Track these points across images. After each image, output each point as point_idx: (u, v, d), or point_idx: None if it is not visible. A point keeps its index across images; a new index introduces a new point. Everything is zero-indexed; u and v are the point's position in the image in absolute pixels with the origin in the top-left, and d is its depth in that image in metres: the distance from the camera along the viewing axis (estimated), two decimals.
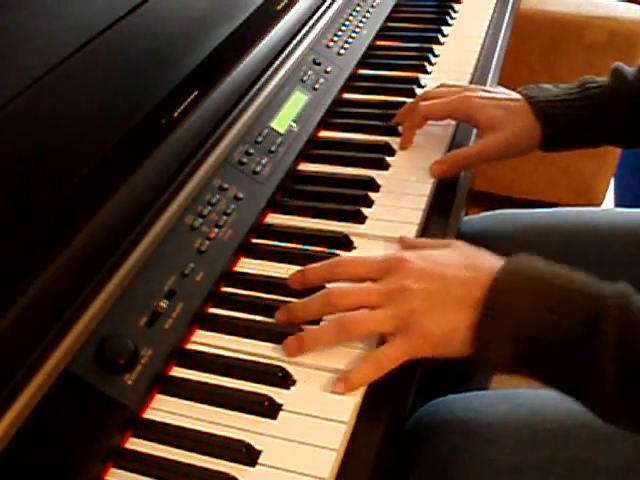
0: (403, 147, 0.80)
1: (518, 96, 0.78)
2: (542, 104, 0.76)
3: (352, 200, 0.73)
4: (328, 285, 0.59)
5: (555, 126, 0.76)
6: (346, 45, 0.94)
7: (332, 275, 0.59)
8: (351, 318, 0.56)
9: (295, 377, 0.55)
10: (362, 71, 0.96)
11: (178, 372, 0.56)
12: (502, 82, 1.01)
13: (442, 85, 0.84)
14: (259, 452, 0.50)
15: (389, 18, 1.09)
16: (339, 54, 0.92)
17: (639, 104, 0.77)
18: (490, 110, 0.77)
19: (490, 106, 0.77)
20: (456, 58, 0.99)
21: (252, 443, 0.50)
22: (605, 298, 0.51)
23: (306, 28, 0.90)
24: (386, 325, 0.55)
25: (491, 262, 0.57)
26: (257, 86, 0.78)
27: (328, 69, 0.89)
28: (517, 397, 0.68)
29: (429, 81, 0.94)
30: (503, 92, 0.80)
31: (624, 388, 0.50)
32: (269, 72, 0.80)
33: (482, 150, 0.77)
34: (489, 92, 0.80)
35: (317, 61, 0.88)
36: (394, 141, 0.82)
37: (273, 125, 0.77)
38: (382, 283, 0.57)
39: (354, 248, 0.67)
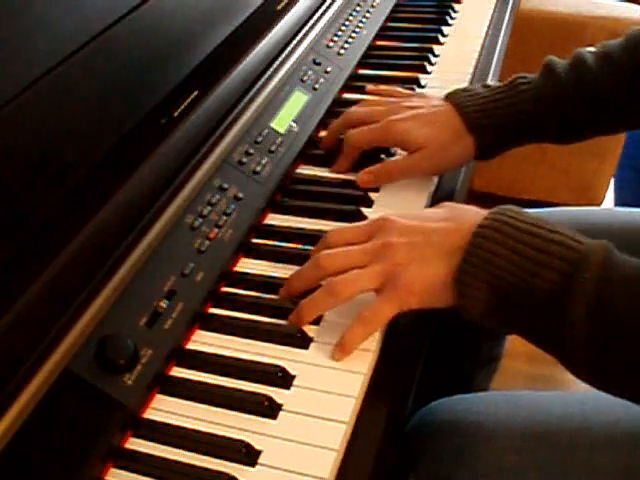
0: (337, 172, 0.78)
1: (445, 105, 0.75)
2: (472, 114, 0.74)
3: (352, 200, 0.73)
4: None
5: (488, 135, 0.74)
6: (346, 45, 0.94)
7: (327, 245, 0.61)
8: (339, 279, 0.57)
9: (296, 376, 0.55)
10: (362, 71, 0.96)
11: (178, 372, 0.56)
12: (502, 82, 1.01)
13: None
14: (259, 452, 0.50)
15: (389, 18, 1.09)
16: (339, 54, 0.92)
17: (571, 101, 0.75)
18: (416, 131, 0.74)
19: (415, 128, 0.74)
20: (456, 58, 0.99)
21: (252, 443, 0.50)
22: (585, 252, 0.52)
23: (306, 28, 0.90)
24: (373, 281, 0.57)
25: (475, 213, 0.58)
26: (257, 86, 0.78)
27: (328, 69, 0.89)
28: (518, 399, 0.68)
29: (429, 81, 0.94)
30: (429, 104, 0.77)
31: (595, 345, 0.50)
32: (269, 72, 0.80)
33: (411, 166, 0.74)
34: (414, 108, 0.76)
35: (317, 61, 0.88)
36: None
37: (273, 125, 0.77)
38: (368, 243, 0.59)
39: None
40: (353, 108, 0.80)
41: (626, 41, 0.77)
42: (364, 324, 0.56)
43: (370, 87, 0.84)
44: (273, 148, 0.75)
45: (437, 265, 0.56)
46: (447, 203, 0.63)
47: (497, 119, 0.74)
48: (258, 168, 0.71)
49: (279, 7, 0.88)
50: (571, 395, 0.58)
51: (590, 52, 0.77)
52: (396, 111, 0.77)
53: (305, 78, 0.85)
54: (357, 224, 0.63)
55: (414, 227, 0.58)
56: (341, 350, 0.56)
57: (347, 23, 0.98)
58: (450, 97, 0.76)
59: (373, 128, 0.76)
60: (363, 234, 0.60)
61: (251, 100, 0.76)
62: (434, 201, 0.75)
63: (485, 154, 0.76)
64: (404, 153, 0.78)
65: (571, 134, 0.78)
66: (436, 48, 1.01)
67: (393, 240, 0.57)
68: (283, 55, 0.83)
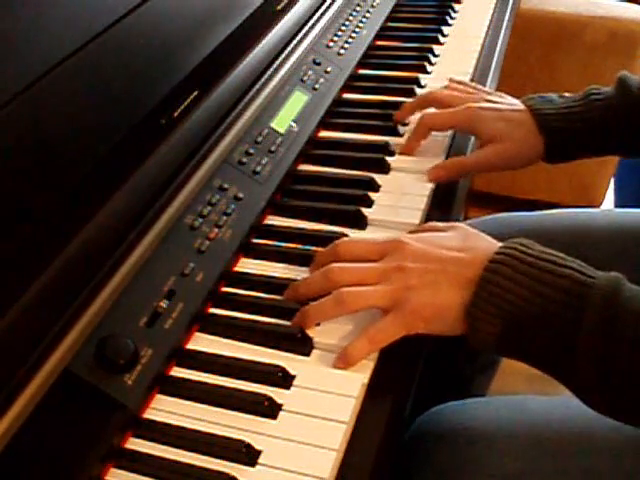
0: (405, 154, 0.80)
1: (521, 106, 0.78)
2: (545, 116, 0.76)
3: (352, 200, 0.73)
4: None
5: (558, 139, 0.76)
6: (346, 45, 0.94)
7: (336, 256, 0.61)
8: (349, 292, 0.58)
9: (296, 376, 0.55)
10: (362, 71, 0.96)
11: (178, 372, 0.56)
12: (502, 82, 1.01)
13: (450, 82, 0.85)
14: (259, 452, 0.50)
15: (389, 18, 1.09)
16: (339, 54, 0.92)
17: None
18: (492, 123, 0.76)
19: (492, 119, 0.77)
20: (456, 58, 0.99)
21: (252, 443, 0.50)
22: (593, 287, 0.52)
23: (306, 28, 0.90)
24: (382, 300, 0.57)
25: (488, 244, 0.59)
26: (257, 86, 0.78)
27: (328, 69, 0.89)
28: (519, 404, 0.68)
29: (429, 81, 0.94)
30: (507, 102, 0.80)
31: (602, 376, 0.51)
32: (269, 72, 0.80)
33: (482, 160, 0.77)
34: (492, 102, 0.79)
35: (317, 61, 0.88)
36: (394, 141, 0.82)
37: (273, 125, 0.77)
38: (381, 262, 0.59)
39: None
40: (435, 89, 0.83)
41: None
42: (369, 341, 0.56)
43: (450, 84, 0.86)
44: (273, 148, 0.75)
45: (449, 295, 0.56)
46: (457, 225, 0.63)
47: (568, 124, 0.76)
48: (258, 168, 0.71)
49: (279, 7, 0.88)
50: (572, 400, 0.58)
51: None
52: (476, 100, 0.79)
53: (305, 78, 0.85)
54: (370, 240, 0.63)
55: (428, 254, 0.58)
56: (344, 362, 0.56)
57: (347, 23, 0.98)
58: (526, 100, 0.79)
59: (452, 111, 0.79)
60: (375, 252, 0.60)
61: (251, 100, 0.76)
62: (434, 201, 0.75)
63: (553, 157, 0.79)
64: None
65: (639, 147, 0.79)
66: (436, 48, 1.01)
67: (407, 265, 0.58)
68: (283, 55, 0.83)
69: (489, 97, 0.81)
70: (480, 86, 0.86)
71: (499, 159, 0.77)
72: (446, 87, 0.84)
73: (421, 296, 0.56)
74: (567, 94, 0.80)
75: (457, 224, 0.64)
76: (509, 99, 0.81)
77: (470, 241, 0.60)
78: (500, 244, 0.58)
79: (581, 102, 0.77)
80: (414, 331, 0.56)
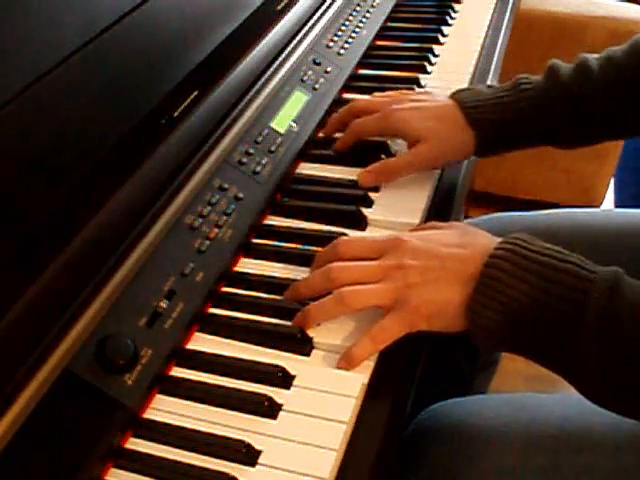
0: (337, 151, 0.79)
1: (449, 101, 0.76)
2: (473, 109, 0.74)
3: (352, 200, 0.73)
4: None
5: (488, 131, 0.74)
6: (346, 45, 0.94)
7: (336, 255, 0.61)
8: (350, 291, 0.57)
9: (296, 376, 0.55)
10: (362, 71, 0.96)
11: (178, 372, 0.56)
12: (502, 82, 1.01)
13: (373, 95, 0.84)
14: (259, 452, 0.50)
15: (389, 18, 1.09)
16: (339, 54, 0.92)
17: (573, 104, 0.75)
18: (417, 123, 0.74)
19: (417, 119, 0.75)
20: (456, 58, 0.99)
21: (252, 443, 0.50)
22: (594, 281, 0.52)
23: (306, 28, 0.90)
24: (383, 298, 0.57)
25: (487, 240, 0.59)
26: (257, 86, 0.78)
27: (328, 69, 0.89)
28: (518, 402, 0.68)
29: (429, 81, 0.94)
30: (433, 99, 0.78)
31: (604, 370, 0.51)
32: (269, 72, 0.80)
33: (412, 161, 0.74)
34: (418, 101, 0.77)
35: (317, 61, 0.88)
36: (393, 141, 0.82)
37: (273, 125, 0.77)
38: (381, 260, 0.59)
39: None
40: (358, 99, 0.81)
41: (630, 47, 0.77)
42: (373, 341, 0.56)
43: (376, 94, 0.85)
44: (273, 148, 0.75)
45: (449, 292, 0.56)
46: (456, 224, 0.63)
47: (497, 115, 0.74)
48: (258, 168, 0.71)
49: (279, 7, 0.88)
50: (571, 397, 0.58)
51: (594, 57, 0.77)
52: (399, 102, 0.77)
53: (305, 78, 0.85)
54: (370, 238, 0.63)
55: (428, 250, 0.58)
56: (347, 363, 0.56)
57: (347, 23, 0.98)
58: (454, 94, 0.77)
59: (376, 116, 0.77)
60: (375, 250, 0.60)
61: (251, 100, 0.76)
62: (434, 201, 0.75)
63: (484, 150, 0.76)
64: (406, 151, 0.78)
65: (574, 138, 0.78)
66: (436, 48, 1.01)
67: (407, 262, 0.57)
68: (283, 55, 0.83)
69: (414, 97, 0.79)
70: (407, 90, 0.84)
71: (430, 158, 0.74)
72: (372, 96, 0.83)
73: (422, 294, 0.56)
74: (497, 84, 0.78)
75: (456, 223, 0.64)
76: (436, 95, 0.79)
77: (469, 237, 0.60)
78: (499, 239, 0.58)
79: (511, 92, 0.75)
80: (416, 329, 0.57)
